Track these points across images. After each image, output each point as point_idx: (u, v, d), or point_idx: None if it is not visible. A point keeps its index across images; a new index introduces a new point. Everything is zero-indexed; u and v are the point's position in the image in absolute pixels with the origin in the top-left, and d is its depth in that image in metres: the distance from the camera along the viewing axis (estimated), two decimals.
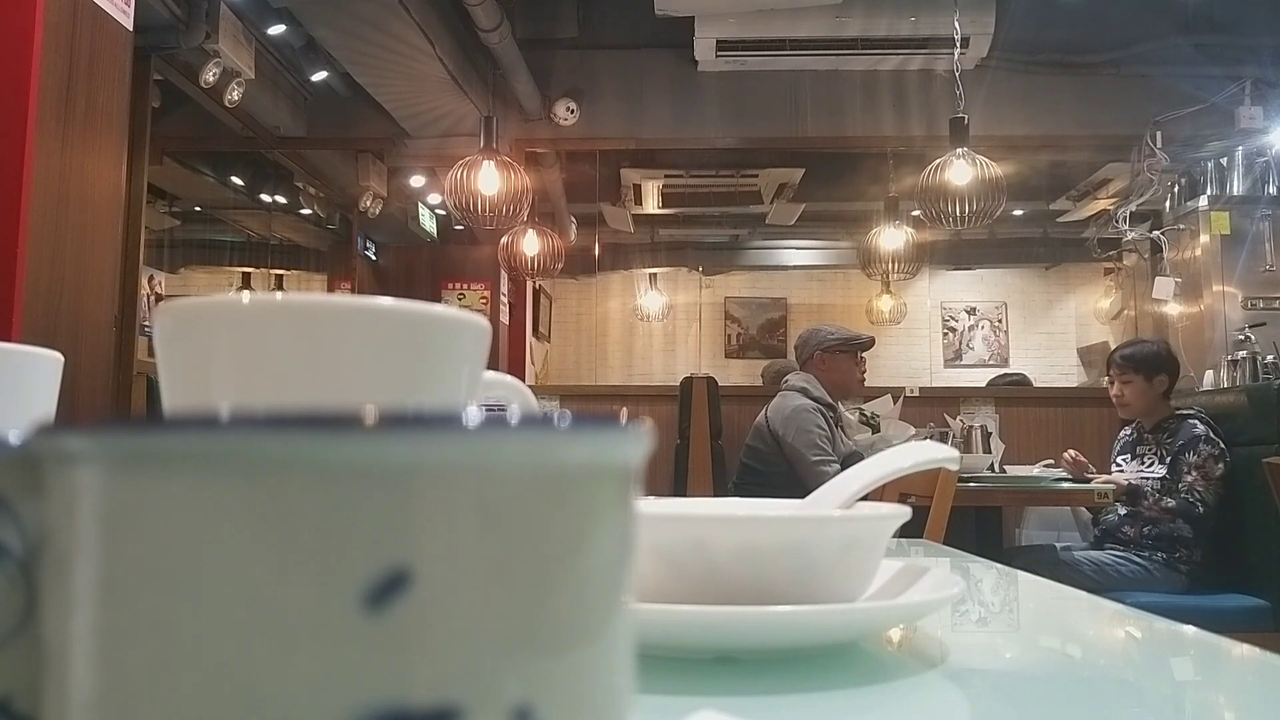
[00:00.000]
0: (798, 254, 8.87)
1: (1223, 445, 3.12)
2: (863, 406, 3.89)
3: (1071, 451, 3.47)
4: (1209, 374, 4.73)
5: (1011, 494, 3.40)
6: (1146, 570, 3.07)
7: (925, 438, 3.45)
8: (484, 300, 6.07)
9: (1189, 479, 3.08)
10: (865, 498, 0.62)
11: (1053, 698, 0.49)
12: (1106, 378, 3.38)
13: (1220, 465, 3.09)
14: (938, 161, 3.96)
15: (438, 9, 4.26)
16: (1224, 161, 5.16)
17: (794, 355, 3.94)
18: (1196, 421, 3.17)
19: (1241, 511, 3.14)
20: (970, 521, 3.31)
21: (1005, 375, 6.49)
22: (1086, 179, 6.63)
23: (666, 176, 6.69)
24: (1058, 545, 3.47)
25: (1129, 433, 3.38)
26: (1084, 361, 8.34)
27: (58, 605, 0.18)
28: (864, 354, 3.74)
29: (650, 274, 8.88)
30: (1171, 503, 3.07)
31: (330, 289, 6.30)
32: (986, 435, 3.78)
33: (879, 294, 7.75)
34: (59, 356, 0.52)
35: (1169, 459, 3.16)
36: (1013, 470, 3.78)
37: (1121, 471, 3.30)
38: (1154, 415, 3.27)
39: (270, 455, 0.16)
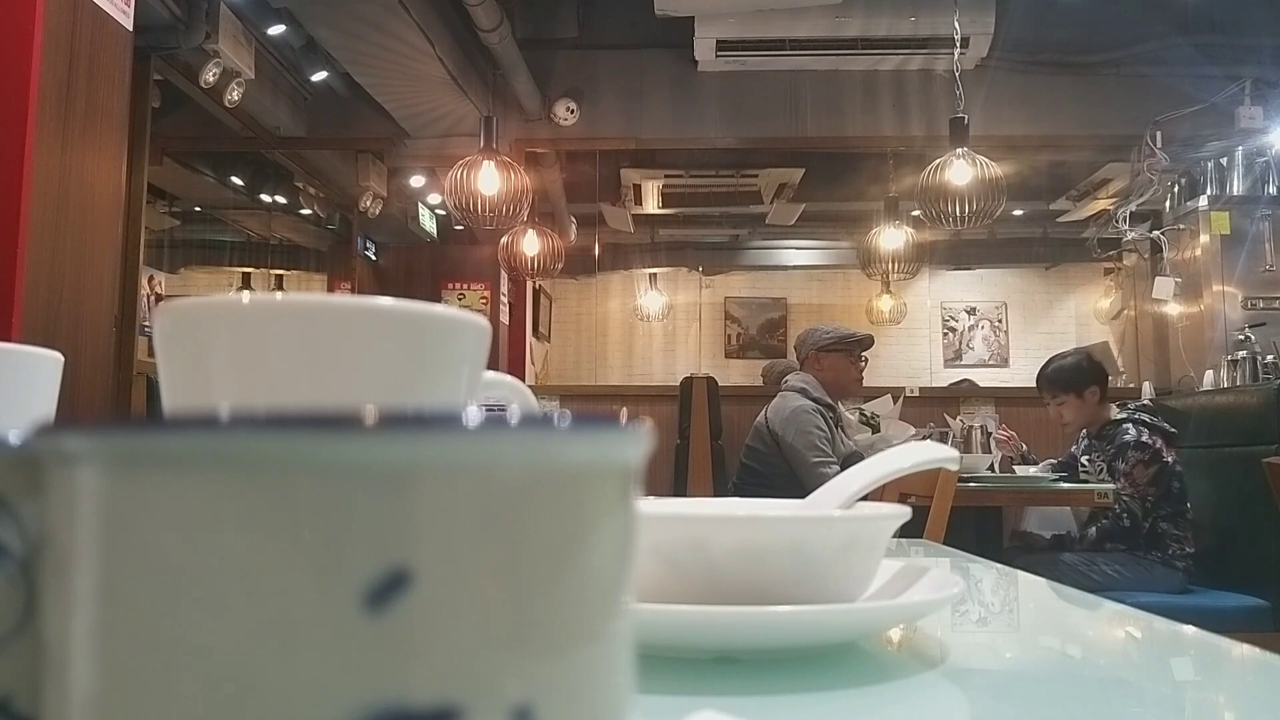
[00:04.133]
0: (798, 254, 8.86)
1: (1158, 445, 3.11)
2: (863, 406, 3.89)
3: (1004, 432, 3.61)
4: (1209, 374, 4.73)
5: (1011, 494, 3.39)
6: (1145, 570, 3.07)
7: (925, 438, 3.45)
8: (484, 300, 6.06)
9: (1118, 487, 3.09)
10: (865, 498, 0.62)
11: (1053, 698, 0.49)
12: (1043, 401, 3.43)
13: (1152, 469, 3.08)
14: (938, 161, 3.96)
15: (438, 9, 4.25)
16: (1224, 161, 5.16)
17: (793, 355, 3.95)
18: (1129, 425, 3.16)
19: (1241, 511, 3.14)
20: (970, 521, 3.31)
21: (960, 381, 6.55)
22: (1086, 179, 6.63)
23: (666, 176, 6.69)
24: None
25: (1083, 436, 3.42)
26: None
27: (58, 605, 0.18)
28: (863, 353, 3.73)
29: (650, 274, 8.88)
30: (1105, 520, 3.09)
31: (330, 289, 6.30)
32: (987, 435, 3.78)
33: (879, 294, 7.75)
34: (59, 356, 0.52)
35: (1107, 465, 3.19)
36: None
37: (1087, 473, 3.33)
38: (1096, 423, 3.31)
39: (270, 455, 0.16)
